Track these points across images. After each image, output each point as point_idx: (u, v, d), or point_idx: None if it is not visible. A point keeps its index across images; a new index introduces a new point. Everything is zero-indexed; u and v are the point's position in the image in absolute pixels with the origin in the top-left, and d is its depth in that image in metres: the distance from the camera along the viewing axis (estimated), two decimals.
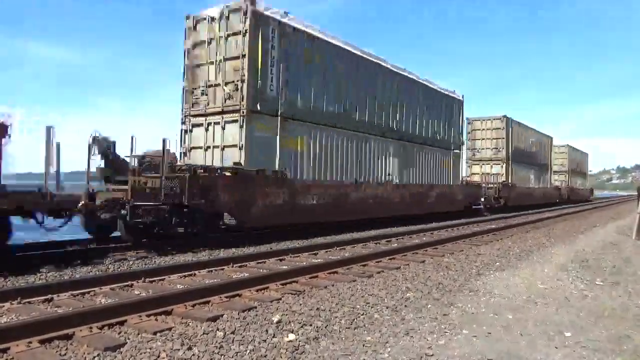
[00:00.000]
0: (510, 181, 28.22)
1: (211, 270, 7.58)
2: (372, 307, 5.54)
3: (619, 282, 7.42)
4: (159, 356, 3.87)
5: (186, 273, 7.24)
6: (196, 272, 7.36)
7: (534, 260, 9.48)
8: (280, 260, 8.80)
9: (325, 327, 4.73)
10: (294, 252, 9.46)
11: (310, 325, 4.77)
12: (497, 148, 29.05)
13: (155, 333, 4.38)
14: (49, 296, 5.59)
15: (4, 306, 5.19)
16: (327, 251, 9.99)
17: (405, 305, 5.69)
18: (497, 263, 9.01)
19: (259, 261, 8.51)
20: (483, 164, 29.54)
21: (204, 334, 4.40)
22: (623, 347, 4.39)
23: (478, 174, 28.99)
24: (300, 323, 4.80)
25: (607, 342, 4.53)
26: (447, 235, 13.30)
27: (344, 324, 4.88)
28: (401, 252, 9.75)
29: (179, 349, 4.00)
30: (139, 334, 4.38)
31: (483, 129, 29.85)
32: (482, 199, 24.87)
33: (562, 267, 8.61)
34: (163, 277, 6.90)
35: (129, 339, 4.26)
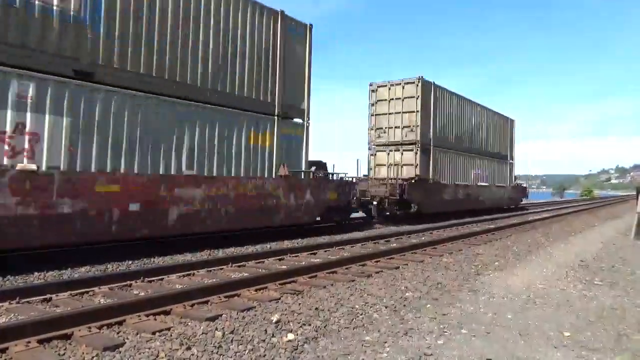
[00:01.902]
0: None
1: (210, 270, 7.58)
2: (371, 307, 5.54)
3: (618, 282, 7.43)
4: (157, 356, 3.87)
5: (185, 273, 7.24)
6: (195, 271, 7.36)
7: (532, 260, 9.49)
8: (280, 259, 8.80)
9: (324, 327, 4.73)
10: (293, 251, 9.46)
11: (309, 325, 4.77)
12: None
13: (154, 333, 4.38)
14: (48, 296, 5.59)
15: (2, 306, 5.19)
16: (326, 251, 9.99)
17: (404, 305, 5.69)
18: (496, 263, 9.01)
19: (258, 261, 8.50)
20: None
21: (202, 333, 4.39)
22: (622, 347, 4.40)
23: None
24: (299, 323, 4.80)
25: (606, 342, 4.54)
26: (446, 235, 13.31)
27: (343, 323, 4.88)
28: (400, 252, 9.76)
29: (177, 349, 3.99)
30: (137, 334, 4.38)
31: None
32: None
33: (561, 266, 8.62)
34: (162, 277, 6.90)
35: (127, 338, 4.26)
